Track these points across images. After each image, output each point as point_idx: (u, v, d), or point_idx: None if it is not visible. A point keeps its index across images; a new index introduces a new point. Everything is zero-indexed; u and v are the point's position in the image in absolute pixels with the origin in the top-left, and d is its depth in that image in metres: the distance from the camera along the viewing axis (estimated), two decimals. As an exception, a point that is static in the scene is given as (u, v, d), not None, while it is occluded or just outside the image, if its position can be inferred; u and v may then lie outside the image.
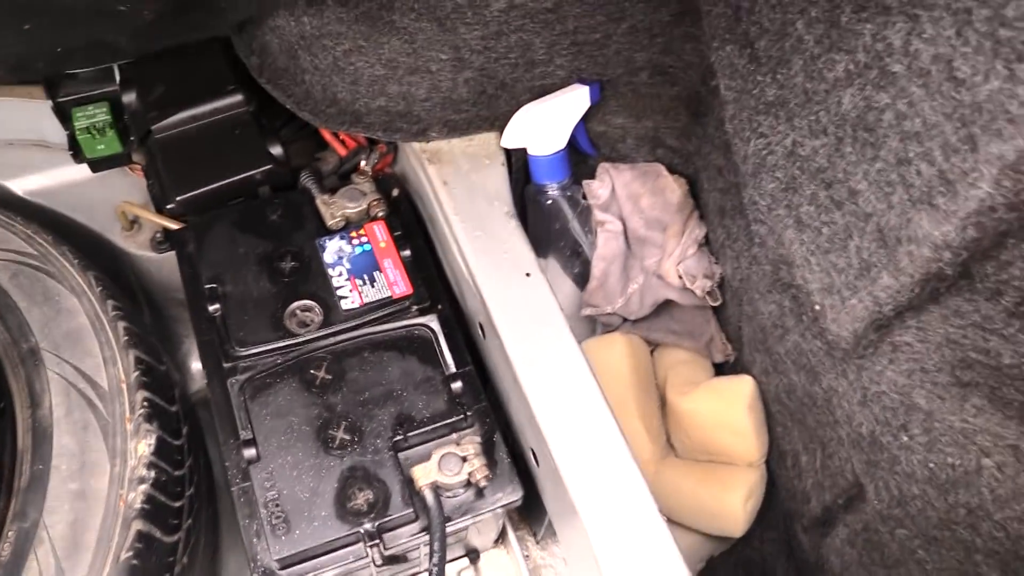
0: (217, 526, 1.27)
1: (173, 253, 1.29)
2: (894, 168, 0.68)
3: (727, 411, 1.18)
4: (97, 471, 1.01)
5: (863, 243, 0.72)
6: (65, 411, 1.04)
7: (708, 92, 1.18)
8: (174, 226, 1.21)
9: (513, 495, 1.02)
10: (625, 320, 1.32)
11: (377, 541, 0.96)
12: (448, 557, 1.24)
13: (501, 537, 1.28)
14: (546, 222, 1.27)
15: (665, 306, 1.32)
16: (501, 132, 1.22)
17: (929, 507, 0.85)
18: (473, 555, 1.26)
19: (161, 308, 1.41)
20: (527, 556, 1.27)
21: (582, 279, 1.31)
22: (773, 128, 0.83)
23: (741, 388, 1.18)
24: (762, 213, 0.87)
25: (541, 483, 1.09)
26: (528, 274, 1.10)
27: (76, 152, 1.27)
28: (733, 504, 1.17)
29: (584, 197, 1.28)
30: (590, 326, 1.37)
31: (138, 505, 0.99)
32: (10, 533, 0.96)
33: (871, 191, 0.71)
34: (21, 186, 1.35)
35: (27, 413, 1.05)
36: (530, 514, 1.25)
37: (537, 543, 1.27)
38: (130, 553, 0.97)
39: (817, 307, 0.80)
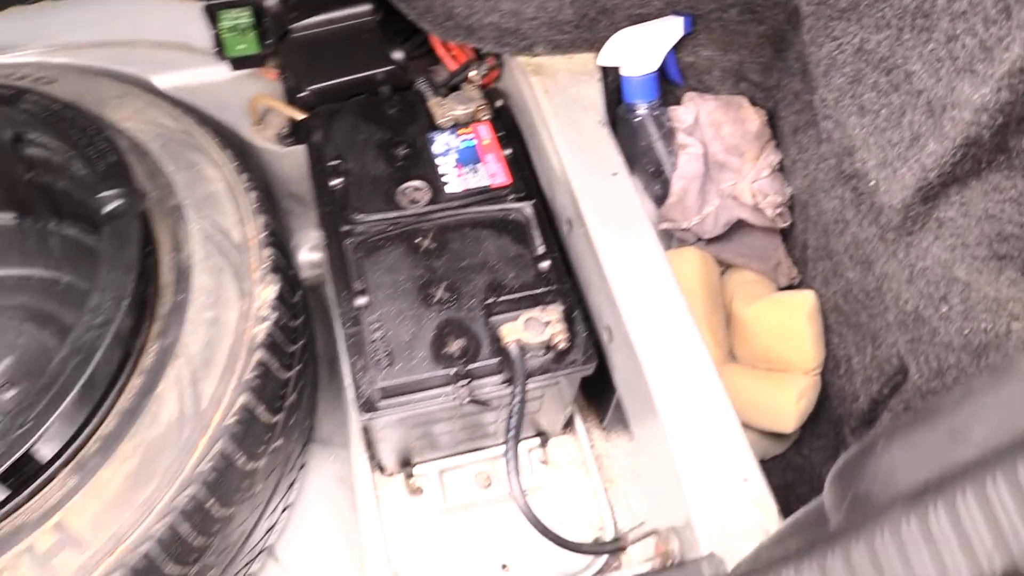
0: (316, 391, 1.45)
1: (294, 148, 1.48)
2: (944, 46, 0.81)
3: (788, 319, 1.31)
4: (228, 306, 1.18)
5: (915, 117, 0.85)
6: (203, 256, 1.22)
7: (792, 30, 1.32)
8: (301, 116, 1.39)
9: (588, 363, 1.17)
10: (699, 239, 1.46)
11: (466, 381, 1.12)
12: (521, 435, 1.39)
13: (569, 424, 1.43)
14: (633, 140, 1.41)
15: (736, 229, 1.45)
16: (596, 52, 1.38)
17: (963, 375, 0.97)
18: (543, 438, 1.41)
19: (276, 200, 1.60)
20: (592, 445, 1.42)
21: (661, 200, 1.45)
22: (844, 31, 0.96)
23: (803, 298, 1.31)
24: (830, 108, 1.00)
25: (613, 361, 1.24)
26: (615, 173, 1.26)
27: (220, 50, 1.46)
28: (787, 400, 1.30)
29: (669, 120, 1.43)
30: (666, 243, 1.51)
31: (261, 339, 1.17)
32: (153, 347, 1.14)
33: (924, 70, 0.84)
34: (166, 81, 1.54)
35: (170, 256, 1.23)
36: (598, 404, 1.40)
37: (602, 430, 1.42)
38: (251, 375, 1.14)
39: (872, 183, 0.93)
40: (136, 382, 1.11)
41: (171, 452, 1.06)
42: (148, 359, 1.13)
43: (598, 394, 1.38)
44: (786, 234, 1.44)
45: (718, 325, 1.39)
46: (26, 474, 1.03)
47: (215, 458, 1.08)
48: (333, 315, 1.51)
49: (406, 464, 1.36)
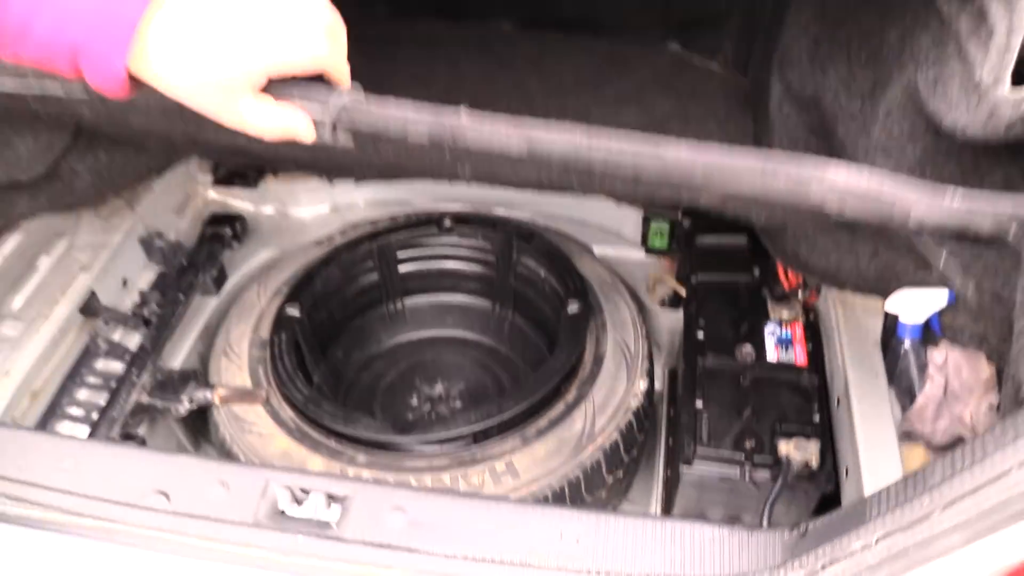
0: (638, 470, 2.20)
1: (669, 310, 2.32)
2: None
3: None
4: (620, 382, 1.97)
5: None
6: (612, 353, 2.02)
7: (1026, 320, 1.97)
8: (683, 291, 2.23)
9: (827, 483, 1.83)
10: (928, 444, 2.09)
11: (750, 464, 1.83)
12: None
13: (802, 539, 2.06)
14: (895, 362, 2.09)
15: (957, 444, 2.06)
16: (885, 299, 2.10)
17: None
18: (782, 541, 2.05)
19: (645, 342, 2.43)
20: (814, 559, 2.03)
21: (905, 410, 2.10)
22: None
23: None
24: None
25: (846, 494, 1.88)
26: (877, 376, 1.95)
27: (644, 241, 2.36)
28: None
29: (925, 356, 2.10)
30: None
31: (633, 406, 1.94)
32: (573, 392, 1.97)
33: None
34: (600, 251, 2.43)
35: (593, 347, 2.06)
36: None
37: (825, 549, 2.03)
38: (623, 425, 1.91)
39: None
40: (561, 407, 1.93)
41: (573, 446, 1.85)
42: (570, 396, 1.95)
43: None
44: (993, 457, 2.03)
45: (927, 504, 1.99)
46: (488, 435, 1.87)
47: (593, 460, 1.84)
48: (659, 432, 2.28)
49: (686, 525, 2.06)
